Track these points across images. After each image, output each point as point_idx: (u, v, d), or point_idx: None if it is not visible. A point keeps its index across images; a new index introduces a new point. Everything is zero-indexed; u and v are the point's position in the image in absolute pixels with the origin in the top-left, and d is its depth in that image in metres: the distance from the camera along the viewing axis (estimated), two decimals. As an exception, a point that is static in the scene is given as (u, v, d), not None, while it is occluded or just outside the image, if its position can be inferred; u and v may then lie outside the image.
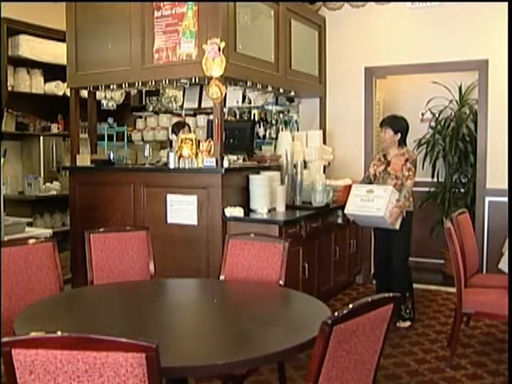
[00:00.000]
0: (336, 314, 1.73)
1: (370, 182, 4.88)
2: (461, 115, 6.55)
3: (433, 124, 6.70)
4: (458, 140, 6.43)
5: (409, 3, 5.89)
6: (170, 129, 6.34)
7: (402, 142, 4.75)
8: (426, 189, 6.76)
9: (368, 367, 1.98)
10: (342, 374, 1.83)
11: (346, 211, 4.70)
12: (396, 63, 5.97)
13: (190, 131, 5.67)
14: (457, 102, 6.60)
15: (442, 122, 6.62)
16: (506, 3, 4.98)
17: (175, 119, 6.90)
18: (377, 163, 4.87)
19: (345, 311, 1.74)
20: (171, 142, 6.45)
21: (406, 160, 4.64)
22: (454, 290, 4.13)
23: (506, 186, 5.19)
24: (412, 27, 5.91)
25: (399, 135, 4.69)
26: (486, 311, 3.86)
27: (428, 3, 5.79)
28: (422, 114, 6.85)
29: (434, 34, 5.77)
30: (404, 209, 4.54)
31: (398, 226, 4.53)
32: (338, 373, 1.81)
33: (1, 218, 3.87)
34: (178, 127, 5.67)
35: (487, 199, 5.68)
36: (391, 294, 1.94)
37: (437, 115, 6.66)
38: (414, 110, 6.83)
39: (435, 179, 6.68)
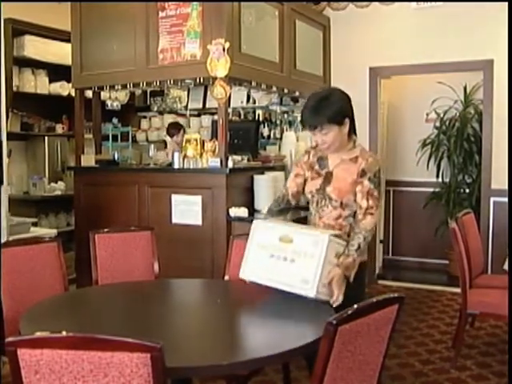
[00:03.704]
0: (341, 314, 1.73)
1: (288, 209, 3.02)
2: (466, 115, 6.54)
3: (437, 124, 6.69)
4: (462, 140, 6.42)
5: (413, 3, 5.88)
6: (166, 129, 6.34)
7: (352, 132, 2.75)
8: (431, 189, 6.76)
9: (373, 368, 1.97)
10: (346, 375, 1.83)
11: (241, 275, 2.61)
12: (401, 63, 5.96)
13: (184, 133, 5.65)
14: (462, 102, 6.59)
15: (447, 122, 6.61)
16: (506, 3, 4.98)
17: (180, 119, 6.91)
18: (303, 172, 2.86)
19: (349, 312, 1.74)
20: (165, 142, 6.44)
21: (363, 173, 2.64)
22: (458, 290, 4.12)
23: (511, 187, 5.18)
24: (417, 27, 5.90)
25: (347, 122, 2.67)
26: (490, 312, 3.85)
27: (433, 3, 5.78)
28: (427, 114, 6.84)
29: (438, 34, 5.76)
30: (353, 269, 2.53)
31: (340, 299, 2.43)
32: (342, 373, 1.81)
33: (1, 218, 3.86)
34: (173, 129, 5.65)
35: (492, 199, 5.67)
36: (396, 295, 1.94)
37: (441, 115, 6.64)
38: (419, 110, 6.83)
39: (440, 179, 6.66)
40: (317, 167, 2.79)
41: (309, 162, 2.84)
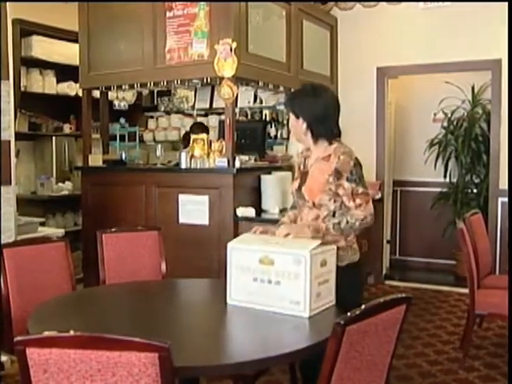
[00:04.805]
0: (348, 314, 1.73)
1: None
2: (473, 115, 6.51)
3: (445, 124, 6.66)
4: (470, 140, 6.39)
5: (421, 3, 5.86)
6: (189, 129, 6.35)
7: (330, 135, 2.65)
8: (438, 189, 6.73)
9: (380, 368, 1.97)
10: (353, 375, 1.83)
11: (228, 301, 2.48)
12: (408, 63, 5.95)
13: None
14: (469, 101, 6.56)
15: (455, 122, 6.59)
16: (506, 3, 4.96)
17: (187, 119, 6.91)
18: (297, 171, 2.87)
19: (357, 312, 1.74)
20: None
21: (338, 174, 2.53)
22: (466, 291, 4.11)
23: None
24: (424, 27, 5.88)
25: (303, 124, 2.63)
26: (498, 312, 3.83)
27: (440, 3, 5.76)
28: (435, 114, 6.82)
29: (446, 34, 5.74)
30: (322, 237, 2.48)
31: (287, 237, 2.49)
32: (350, 374, 1.80)
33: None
34: (198, 129, 5.65)
35: (500, 200, 5.64)
36: (404, 295, 1.94)
37: (449, 115, 6.62)
38: (427, 110, 6.81)
39: (447, 179, 6.64)
40: (301, 166, 2.80)
41: (300, 167, 2.83)
